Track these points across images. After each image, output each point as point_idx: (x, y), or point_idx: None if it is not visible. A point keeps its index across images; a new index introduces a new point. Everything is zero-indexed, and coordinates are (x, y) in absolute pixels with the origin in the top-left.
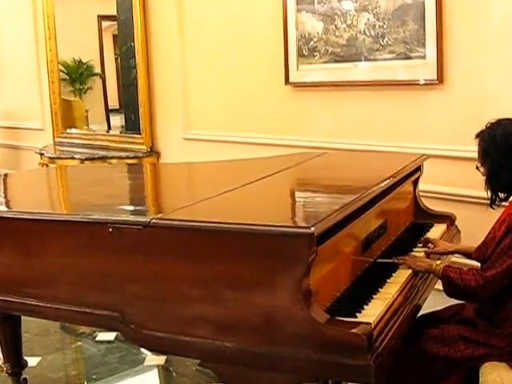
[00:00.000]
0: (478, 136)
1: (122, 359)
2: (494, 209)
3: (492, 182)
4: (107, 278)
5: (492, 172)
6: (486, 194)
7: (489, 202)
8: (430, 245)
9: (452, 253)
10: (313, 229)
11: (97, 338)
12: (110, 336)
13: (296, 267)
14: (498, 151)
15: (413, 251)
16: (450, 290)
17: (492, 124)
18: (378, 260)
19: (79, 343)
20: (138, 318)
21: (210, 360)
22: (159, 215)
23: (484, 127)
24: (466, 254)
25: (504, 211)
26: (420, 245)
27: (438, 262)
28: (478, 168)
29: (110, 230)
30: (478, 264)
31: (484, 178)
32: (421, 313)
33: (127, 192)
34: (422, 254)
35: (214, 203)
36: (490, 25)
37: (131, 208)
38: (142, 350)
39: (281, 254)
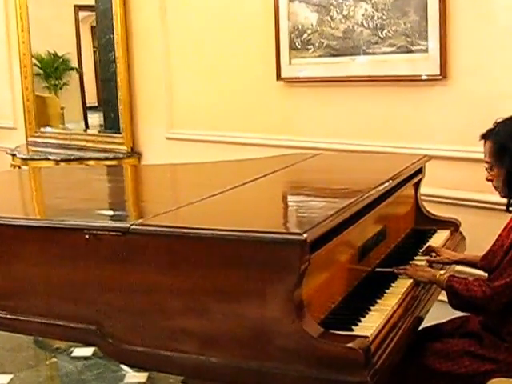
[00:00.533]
0: (486, 136)
1: (99, 376)
2: (511, 212)
3: (510, 184)
4: (83, 289)
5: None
6: (492, 197)
7: (505, 206)
8: (432, 254)
9: (457, 262)
10: (305, 235)
11: (73, 354)
12: (88, 351)
13: (287, 277)
14: None
15: (414, 260)
16: (455, 301)
17: (505, 120)
18: (377, 269)
19: (54, 359)
20: (117, 332)
21: (194, 376)
22: (140, 221)
23: (492, 126)
24: (472, 264)
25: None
26: (422, 253)
27: (442, 272)
28: (487, 170)
29: (87, 236)
30: (485, 274)
31: (492, 183)
32: (423, 325)
33: (106, 196)
34: (424, 263)
35: (199, 208)
36: (497, 15)
37: (109, 213)
38: (122, 366)
39: (271, 263)
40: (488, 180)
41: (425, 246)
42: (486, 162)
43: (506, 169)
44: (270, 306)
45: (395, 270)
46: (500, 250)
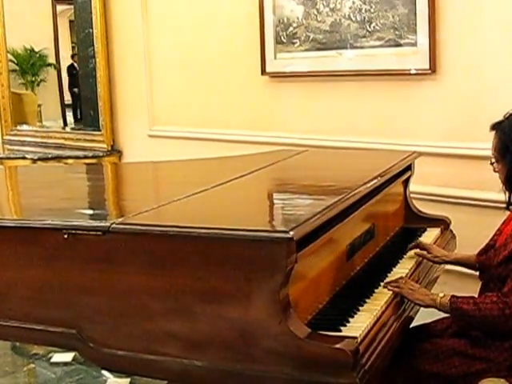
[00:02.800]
0: (494, 127)
1: (80, 383)
2: (511, 211)
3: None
4: (62, 291)
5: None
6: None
7: (505, 203)
8: (423, 252)
9: (451, 263)
10: (291, 233)
11: (52, 360)
12: (67, 357)
13: (273, 276)
14: None
15: (403, 257)
16: (464, 323)
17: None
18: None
19: (32, 365)
20: (98, 335)
21: (178, 380)
22: (120, 219)
23: (502, 118)
24: (467, 265)
25: None
26: (410, 248)
27: (441, 295)
28: (492, 163)
29: (65, 236)
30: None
31: (498, 175)
32: (412, 325)
33: (85, 194)
34: (414, 262)
35: (181, 206)
36: (487, 9)
37: (89, 212)
38: (103, 371)
39: (256, 262)
40: (495, 171)
41: (415, 242)
42: (492, 154)
43: (506, 167)
44: (255, 307)
45: (388, 287)
46: (503, 249)
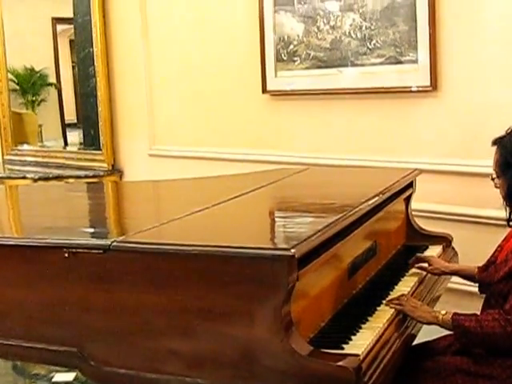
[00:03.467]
0: (496, 142)
1: None
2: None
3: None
4: (63, 309)
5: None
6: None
7: (506, 220)
8: (424, 264)
9: (451, 274)
10: (293, 251)
11: (53, 380)
12: (69, 376)
13: (275, 294)
14: None
15: (405, 275)
16: (466, 340)
17: None
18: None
19: None
20: (99, 354)
21: None
22: (121, 238)
23: (504, 133)
24: (467, 276)
25: None
26: (411, 265)
27: (443, 312)
28: (493, 179)
29: (66, 254)
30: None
31: (499, 191)
32: (415, 343)
33: (86, 213)
34: (416, 279)
35: (182, 224)
36: (488, 25)
37: (90, 230)
38: None
39: (258, 280)
40: (496, 187)
41: (414, 257)
42: (494, 169)
43: (507, 183)
44: (257, 325)
45: (390, 305)
46: (503, 265)
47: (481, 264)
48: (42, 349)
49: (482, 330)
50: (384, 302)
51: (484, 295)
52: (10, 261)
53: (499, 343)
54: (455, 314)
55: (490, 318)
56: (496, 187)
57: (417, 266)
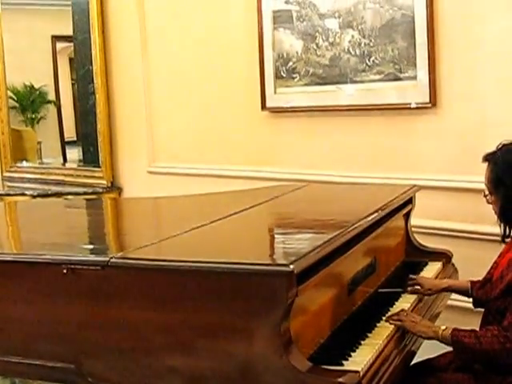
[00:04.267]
0: (487, 159)
1: None
2: (506, 244)
3: (506, 213)
4: (61, 326)
5: (507, 202)
6: (484, 228)
7: (500, 236)
8: (417, 287)
9: (444, 290)
10: (292, 266)
11: None
12: None
13: (274, 310)
14: None
15: (400, 298)
16: (466, 356)
17: (505, 146)
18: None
19: None
20: (97, 370)
21: None
22: (120, 254)
23: (495, 149)
24: (459, 291)
25: (510, 246)
26: (407, 290)
27: (443, 328)
28: (485, 196)
29: (65, 271)
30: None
31: (492, 207)
32: (415, 361)
33: (84, 229)
34: (416, 296)
35: (181, 241)
36: (487, 42)
37: (89, 246)
38: None
39: (257, 296)
40: (488, 203)
41: (407, 283)
42: (485, 185)
43: (500, 200)
44: (256, 341)
45: (390, 321)
46: (499, 282)
47: (476, 278)
48: (39, 365)
49: (481, 347)
50: (384, 318)
51: (482, 310)
52: (9, 277)
53: (498, 359)
54: (455, 329)
55: (489, 335)
56: (488, 203)
57: (410, 290)
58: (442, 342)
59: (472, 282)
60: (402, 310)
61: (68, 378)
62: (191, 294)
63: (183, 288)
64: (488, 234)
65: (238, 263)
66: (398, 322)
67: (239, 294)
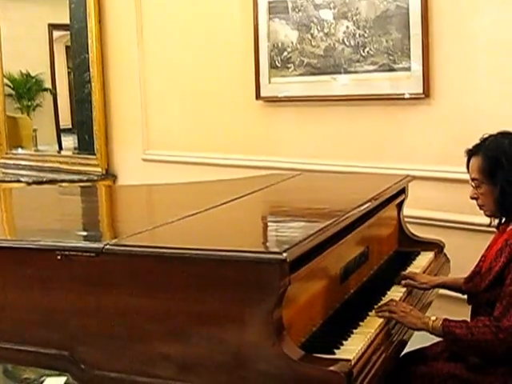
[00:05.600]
0: (473, 151)
1: None
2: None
3: (507, 199)
4: (54, 312)
5: (508, 185)
6: (476, 219)
7: (495, 227)
8: (409, 281)
9: (437, 287)
10: (285, 254)
11: None
12: (60, 381)
13: (266, 298)
14: None
15: (390, 290)
16: (457, 347)
17: (491, 136)
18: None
19: None
20: (90, 357)
21: None
22: (114, 241)
23: (478, 141)
24: (453, 288)
25: (497, 238)
26: (397, 283)
27: (433, 318)
28: (473, 187)
29: (59, 257)
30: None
31: (480, 201)
32: (407, 350)
33: (79, 216)
34: (403, 291)
35: (175, 228)
36: (480, 33)
37: (83, 233)
38: None
39: (249, 284)
40: (473, 198)
41: (400, 276)
42: (473, 179)
43: (499, 185)
44: (248, 329)
45: (379, 314)
46: (488, 274)
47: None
48: (32, 352)
49: (473, 337)
50: (375, 307)
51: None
52: (2, 263)
53: (490, 350)
54: (445, 320)
55: (480, 325)
56: (472, 198)
57: (404, 282)
58: (432, 333)
59: (465, 279)
60: (392, 300)
61: (61, 365)
62: (184, 281)
63: (176, 275)
64: (480, 225)
65: (231, 250)
66: (387, 314)
67: (232, 282)
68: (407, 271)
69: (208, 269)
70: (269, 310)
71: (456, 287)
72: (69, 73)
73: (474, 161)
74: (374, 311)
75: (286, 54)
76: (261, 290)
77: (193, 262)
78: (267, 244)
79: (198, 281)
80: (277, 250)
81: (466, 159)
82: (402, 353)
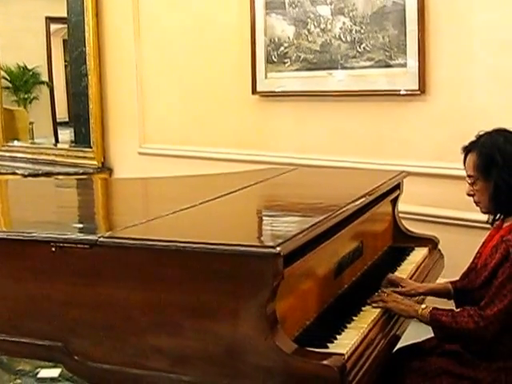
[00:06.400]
0: (469, 148)
1: None
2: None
3: (499, 197)
4: (49, 304)
5: (502, 182)
6: (471, 215)
7: (485, 223)
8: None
9: (424, 294)
10: (279, 248)
11: (38, 375)
12: (54, 373)
13: (260, 292)
14: (508, 159)
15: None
16: (442, 335)
17: (486, 133)
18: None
19: (18, 381)
20: (84, 349)
21: None
22: (108, 233)
23: (474, 138)
24: (442, 295)
25: (493, 235)
26: (383, 285)
27: (423, 306)
28: (469, 184)
29: (53, 249)
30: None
31: (476, 198)
32: (401, 345)
33: (74, 208)
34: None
35: (170, 221)
36: (476, 31)
37: (77, 225)
38: None
39: (243, 277)
40: (469, 195)
41: (387, 278)
42: (469, 175)
43: (493, 181)
44: (242, 322)
45: (373, 305)
46: (483, 270)
47: (463, 270)
48: (26, 343)
49: (457, 325)
50: (369, 301)
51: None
52: None
53: (472, 338)
54: (434, 308)
55: (465, 314)
56: (470, 195)
57: (393, 291)
58: (421, 320)
59: (452, 282)
60: (383, 291)
61: (54, 356)
62: (177, 274)
63: (170, 268)
64: (475, 221)
65: (225, 244)
66: (381, 303)
67: (226, 275)
68: (394, 275)
69: (202, 262)
70: (262, 304)
71: (444, 293)
72: (66, 66)
73: (470, 158)
74: (368, 305)
75: (282, 49)
76: (255, 283)
77: (187, 255)
78: (261, 238)
79: (192, 274)
80: (271, 243)
81: (462, 156)
82: (396, 348)
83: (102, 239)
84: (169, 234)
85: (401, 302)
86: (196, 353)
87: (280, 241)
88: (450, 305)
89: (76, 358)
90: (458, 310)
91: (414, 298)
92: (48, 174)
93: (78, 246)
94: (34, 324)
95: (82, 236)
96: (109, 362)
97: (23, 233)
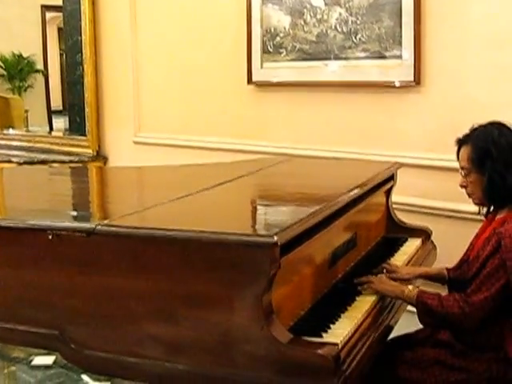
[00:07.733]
0: (463, 140)
1: None
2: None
3: (493, 189)
4: (45, 292)
5: (496, 174)
6: (464, 207)
7: (477, 215)
8: (392, 274)
9: (420, 277)
10: (275, 238)
11: (33, 363)
12: (48, 360)
13: (256, 281)
14: (502, 152)
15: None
16: (427, 319)
17: (480, 126)
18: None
19: (13, 368)
20: (80, 337)
21: (159, 383)
22: (105, 221)
23: (468, 131)
24: (434, 279)
25: (486, 227)
26: (375, 272)
27: (411, 288)
28: (462, 176)
29: (50, 237)
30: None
31: (469, 190)
32: (394, 335)
33: (70, 196)
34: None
35: (166, 209)
36: (472, 23)
37: (74, 213)
38: (83, 376)
39: (239, 266)
40: (462, 186)
41: (380, 266)
42: (462, 167)
43: (487, 174)
44: (238, 311)
45: (359, 287)
46: (476, 261)
47: (456, 261)
48: (22, 331)
49: (443, 310)
50: (363, 292)
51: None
52: None
53: (456, 323)
54: (421, 291)
55: (451, 299)
56: (462, 186)
57: (387, 276)
58: (406, 301)
59: (448, 269)
60: (370, 275)
61: (51, 344)
62: (174, 263)
63: (166, 256)
64: (468, 213)
65: (222, 233)
66: (366, 285)
67: (222, 264)
68: (388, 263)
69: (198, 251)
70: (258, 293)
71: (439, 277)
72: (61, 54)
73: (464, 150)
74: (362, 295)
75: (278, 39)
76: (251, 272)
77: (183, 244)
78: (257, 227)
79: (188, 262)
80: (267, 233)
81: (456, 148)
82: (389, 338)
83: (99, 227)
84: (166, 222)
85: (387, 282)
86: (192, 342)
87: (277, 230)
88: (442, 290)
89: (72, 346)
90: (445, 294)
91: (405, 282)
92: (43, 162)
93: (75, 234)
94: (31, 312)
95: (79, 224)
96: (105, 350)
97: (19, 220)
